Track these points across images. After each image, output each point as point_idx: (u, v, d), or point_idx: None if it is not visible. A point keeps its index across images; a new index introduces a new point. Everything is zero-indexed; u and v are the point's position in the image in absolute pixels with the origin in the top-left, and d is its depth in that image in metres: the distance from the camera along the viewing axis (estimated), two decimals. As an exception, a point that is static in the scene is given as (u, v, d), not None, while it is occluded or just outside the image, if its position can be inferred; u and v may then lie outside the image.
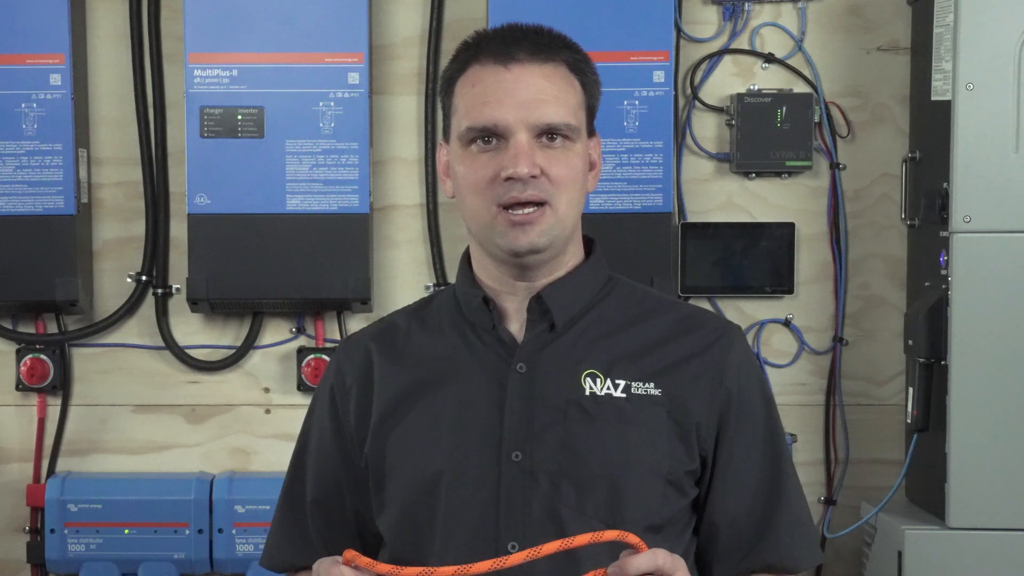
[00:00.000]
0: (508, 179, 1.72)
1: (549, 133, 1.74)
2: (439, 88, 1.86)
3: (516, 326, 1.82)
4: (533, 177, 1.72)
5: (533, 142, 1.73)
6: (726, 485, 1.80)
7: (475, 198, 1.76)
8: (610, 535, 1.56)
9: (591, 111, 1.82)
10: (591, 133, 1.83)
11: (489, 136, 1.74)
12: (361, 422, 1.83)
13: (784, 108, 2.95)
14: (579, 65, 1.80)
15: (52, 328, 3.00)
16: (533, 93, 1.74)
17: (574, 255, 1.83)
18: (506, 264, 1.79)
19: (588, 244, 1.87)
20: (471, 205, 1.77)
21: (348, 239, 2.89)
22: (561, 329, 1.80)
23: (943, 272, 2.72)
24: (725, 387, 1.80)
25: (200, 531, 2.92)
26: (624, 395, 1.77)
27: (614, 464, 1.74)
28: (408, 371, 1.83)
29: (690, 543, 1.82)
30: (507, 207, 1.73)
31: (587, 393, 1.77)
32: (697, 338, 1.81)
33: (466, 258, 1.87)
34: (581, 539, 1.56)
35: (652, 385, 1.78)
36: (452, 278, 2.96)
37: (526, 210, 1.73)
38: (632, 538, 1.57)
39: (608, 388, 1.77)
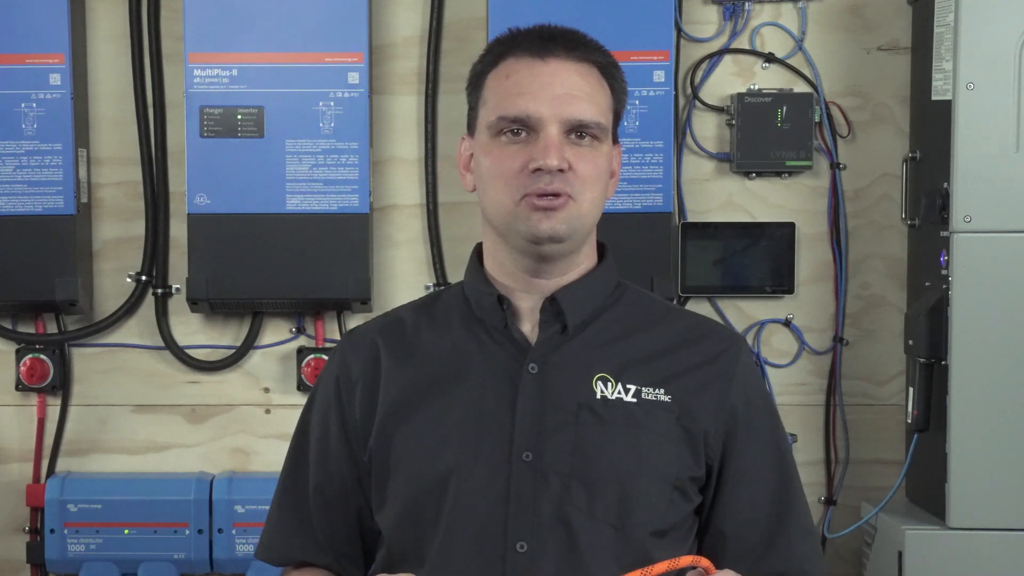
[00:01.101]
0: (536, 171, 1.72)
1: (579, 130, 1.75)
2: (467, 82, 1.86)
3: (528, 326, 1.82)
4: (560, 171, 1.73)
5: (563, 137, 1.74)
6: (735, 495, 1.81)
7: (500, 188, 1.76)
8: (686, 560, 1.63)
9: (617, 117, 1.83)
10: (614, 140, 1.83)
11: (520, 128, 1.75)
12: (366, 416, 1.82)
13: (784, 108, 2.95)
14: (610, 70, 1.82)
15: (52, 328, 3.00)
16: (568, 88, 1.75)
17: (588, 257, 1.84)
18: (524, 256, 1.79)
19: (600, 249, 1.88)
20: (494, 195, 1.77)
21: (348, 239, 2.89)
22: (573, 331, 1.81)
23: (943, 272, 2.72)
24: (732, 397, 1.81)
25: (200, 531, 2.92)
26: (635, 399, 1.78)
27: (624, 468, 1.75)
28: (416, 367, 1.82)
29: (692, 548, 1.82)
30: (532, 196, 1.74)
31: (598, 396, 1.77)
32: (705, 347, 1.82)
33: (476, 255, 1.87)
34: (659, 567, 1.62)
35: (662, 391, 1.78)
36: (452, 278, 2.96)
37: (550, 197, 1.73)
38: (704, 562, 1.62)
39: (619, 392, 1.78)
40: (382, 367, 1.83)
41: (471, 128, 1.83)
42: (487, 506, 1.74)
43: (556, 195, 1.73)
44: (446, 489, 1.76)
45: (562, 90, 1.74)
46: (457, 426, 1.77)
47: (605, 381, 1.78)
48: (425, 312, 1.89)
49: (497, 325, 1.81)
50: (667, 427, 1.77)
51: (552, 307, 1.80)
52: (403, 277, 3.03)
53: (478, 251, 1.87)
